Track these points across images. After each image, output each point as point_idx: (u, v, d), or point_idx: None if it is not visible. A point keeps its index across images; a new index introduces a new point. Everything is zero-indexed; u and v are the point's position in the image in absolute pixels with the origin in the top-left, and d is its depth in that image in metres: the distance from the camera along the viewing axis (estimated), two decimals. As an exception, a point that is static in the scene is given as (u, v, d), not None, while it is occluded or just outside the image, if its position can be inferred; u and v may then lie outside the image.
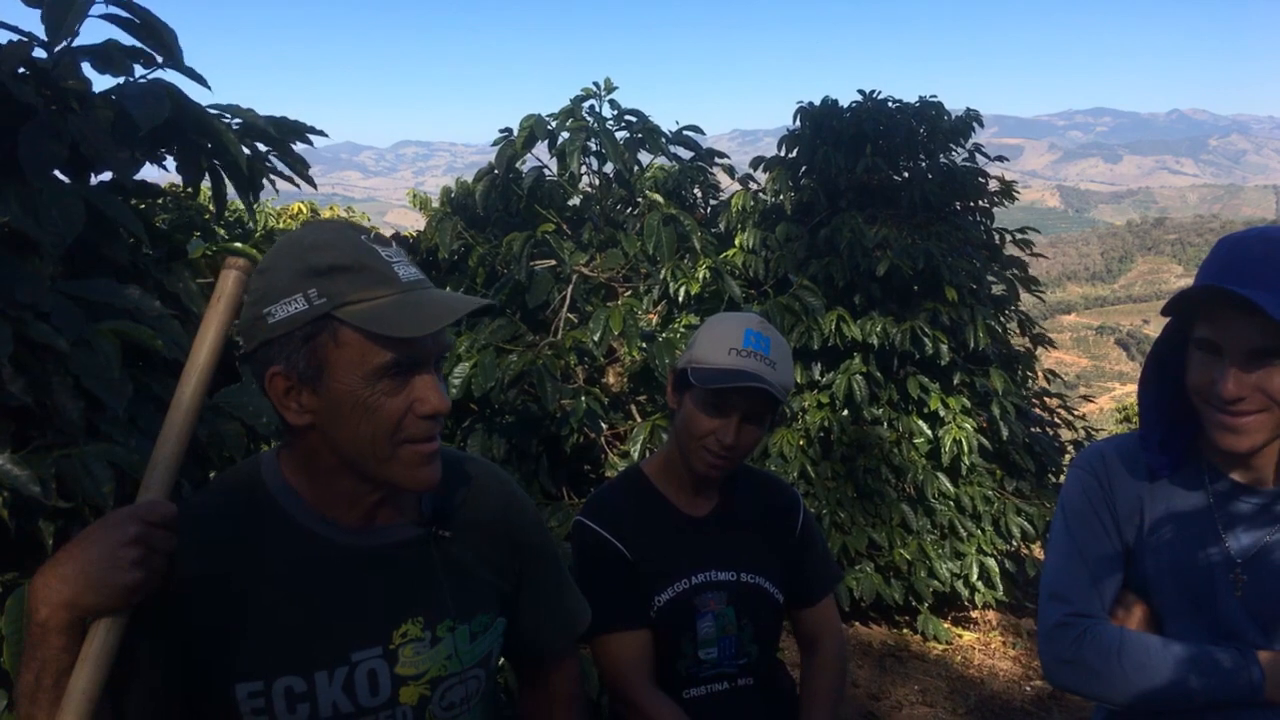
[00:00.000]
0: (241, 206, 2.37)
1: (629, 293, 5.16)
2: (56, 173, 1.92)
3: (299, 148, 2.38)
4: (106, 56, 1.93)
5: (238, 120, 2.25)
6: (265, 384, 1.27)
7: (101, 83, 2.00)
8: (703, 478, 1.95)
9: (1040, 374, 7.01)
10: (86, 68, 2.01)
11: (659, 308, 5.40)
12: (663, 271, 5.11)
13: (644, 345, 4.49)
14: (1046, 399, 7.05)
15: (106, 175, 2.07)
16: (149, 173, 2.25)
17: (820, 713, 2.04)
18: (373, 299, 1.23)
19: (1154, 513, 1.62)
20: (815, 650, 2.11)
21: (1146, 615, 1.64)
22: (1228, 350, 1.44)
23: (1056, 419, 6.92)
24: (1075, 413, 7.14)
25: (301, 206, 9.37)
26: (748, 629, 1.97)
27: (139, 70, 2.09)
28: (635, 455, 4.32)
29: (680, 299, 5.12)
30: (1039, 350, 6.99)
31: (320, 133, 2.33)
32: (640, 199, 5.68)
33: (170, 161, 2.21)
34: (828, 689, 2.07)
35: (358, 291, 1.22)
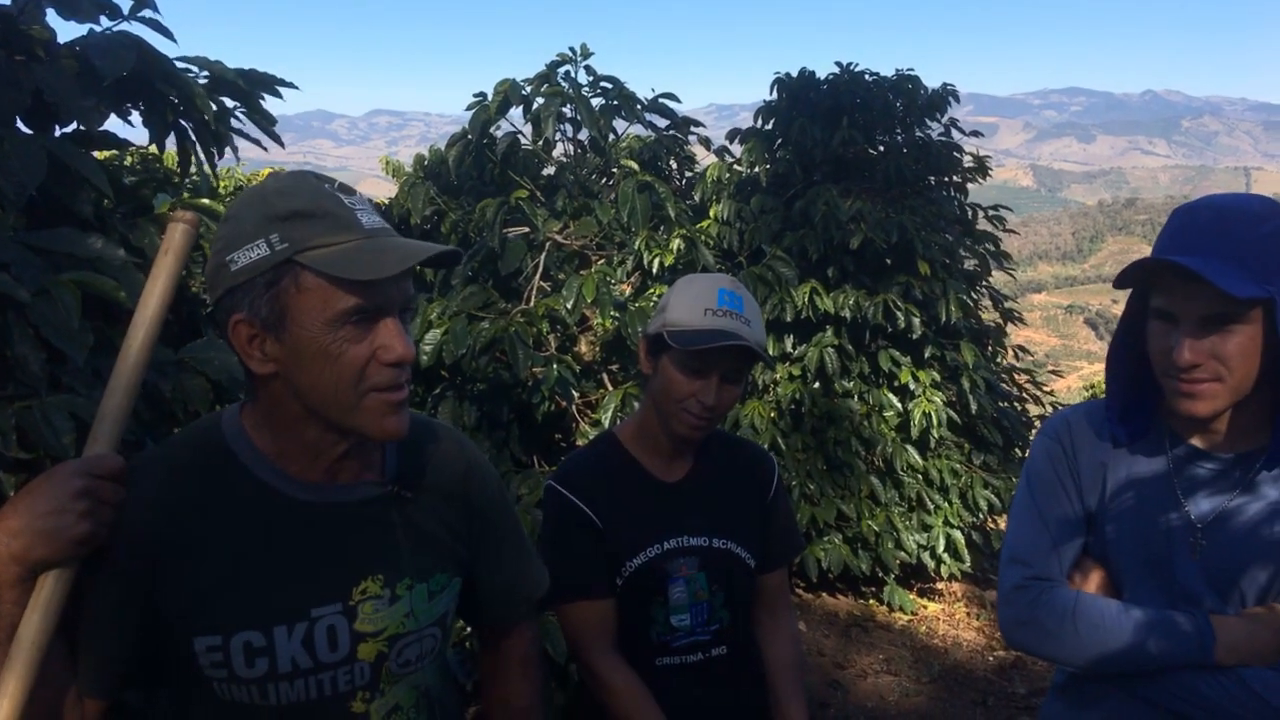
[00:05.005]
0: (209, 169, 2.32)
1: (602, 261, 5.15)
2: (19, 123, 1.89)
3: (270, 109, 2.35)
4: (72, 4, 1.89)
5: (205, 74, 2.22)
6: (229, 332, 1.26)
7: (66, 33, 1.97)
8: (683, 440, 1.95)
9: (1009, 349, 7.07)
10: (51, 16, 1.98)
11: (633, 278, 5.39)
12: (637, 241, 5.10)
13: (616, 314, 4.48)
14: (1015, 374, 7.12)
15: (71, 129, 2.04)
16: (115, 131, 2.21)
17: (789, 684, 2.06)
18: (334, 244, 1.22)
19: (1116, 479, 1.64)
20: (773, 619, 2.13)
21: (1104, 580, 1.66)
22: (1181, 318, 1.47)
23: (1025, 394, 6.99)
24: (1044, 388, 7.21)
25: (271, 171, 9.26)
26: (719, 595, 1.97)
27: (105, 21, 2.06)
28: (606, 423, 4.32)
29: (654, 270, 5.11)
30: (1009, 327, 7.04)
31: (291, 85, 2.29)
32: (615, 168, 5.66)
33: (136, 118, 2.18)
34: (792, 660, 2.10)
35: (319, 237, 1.22)
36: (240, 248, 1.23)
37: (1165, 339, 1.50)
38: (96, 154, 2.10)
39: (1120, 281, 1.54)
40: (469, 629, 2.50)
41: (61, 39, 2.00)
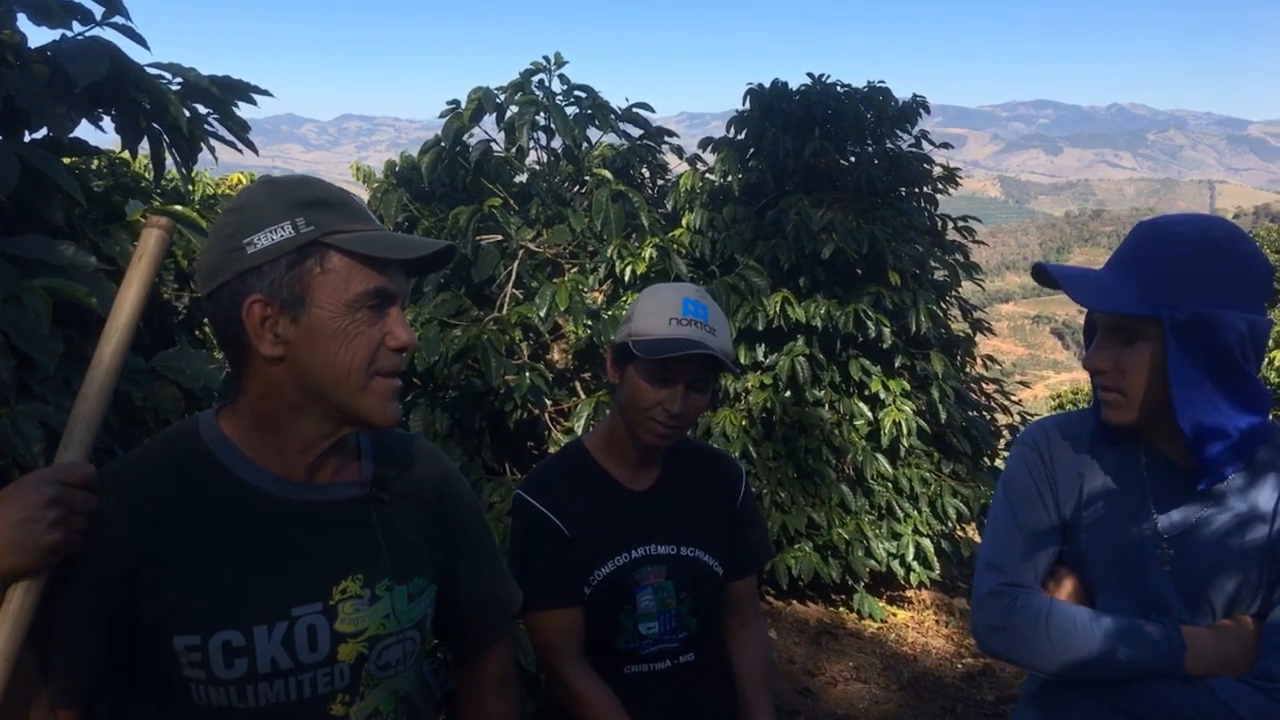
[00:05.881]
0: (179, 175, 2.31)
1: (575, 270, 5.16)
2: (-11, 128, 1.87)
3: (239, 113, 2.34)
4: (44, 9, 1.88)
5: (178, 80, 2.21)
6: (242, 313, 1.27)
7: (38, 38, 1.96)
8: (651, 448, 1.96)
9: (978, 359, 7.13)
10: (22, 21, 1.96)
11: (605, 286, 5.41)
12: (610, 250, 5.11)
13: (589, 322, 4.49)
14: (984, 384, 7.18)
15: (41, 134, 2.02)
16: (87, 136, 2.20)
17: (758, 691, 2.06)
18: (357, 230, 1.30)
19: (1091, 488, 1.67)
20: (743, 626, 2.13)
21: (1077, 588, 1.69)
22: (1097, 327, 1.59)
23: (993, 403, 7.06)
24: (1012, 398, 7.28)
25: (241, 177, 9.17)
26: (687, 602, 1.98)
27: (77, 27, 2.04)
28: (579, 431, 4.33)
29: (626, 278, 5.12)
30: (978, 336, 7.10)
31: (265, 92, 2.29)
32: (589, 176, 5.68)
33: (108, 123, 2.17)
34: (762, 667, 2.10)
35: (342, 223, 1.29)
36: (260, 230, 1.26)
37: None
38: (65, 159, 2.09)
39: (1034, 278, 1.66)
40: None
41: (32, 44, 1.98)
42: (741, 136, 6.52)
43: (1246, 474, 1.57)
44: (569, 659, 1.91)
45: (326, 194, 1.31)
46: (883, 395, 5.82)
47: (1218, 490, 1.58)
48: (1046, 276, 1.60)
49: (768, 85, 6.50)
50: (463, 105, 5.38)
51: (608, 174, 5.37)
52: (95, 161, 3.34)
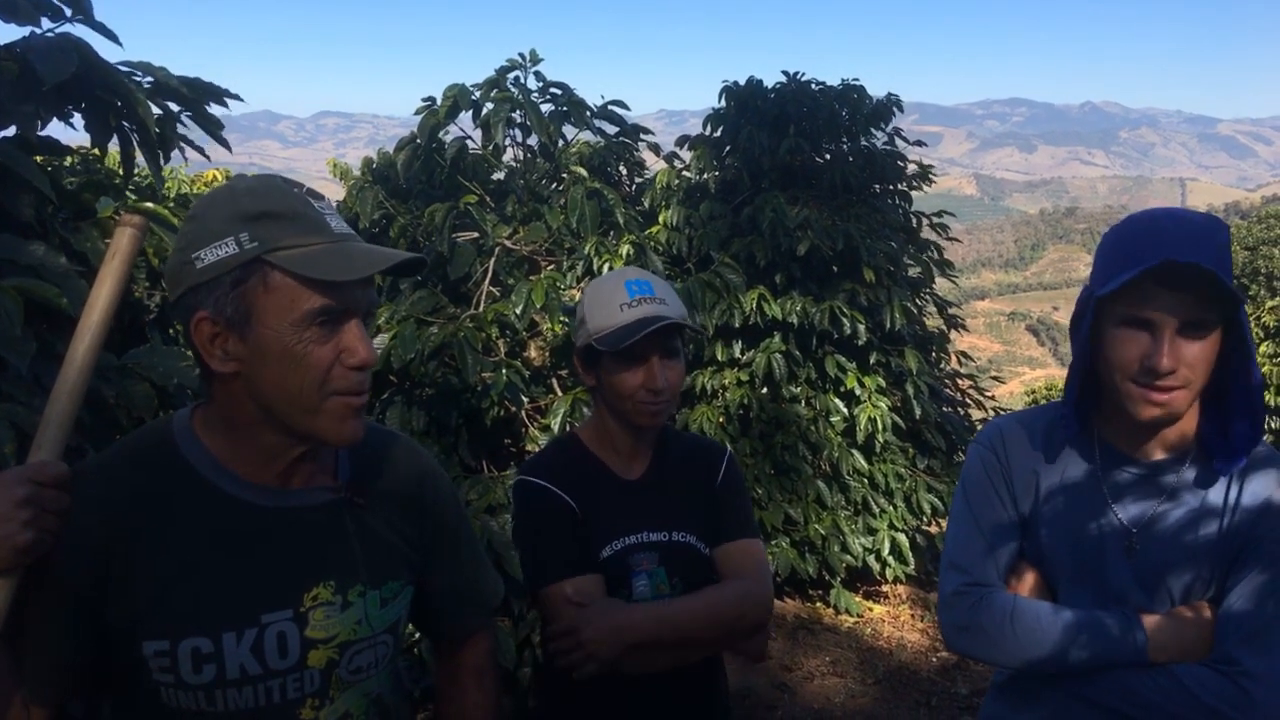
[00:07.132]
0: (152, 172, 2.29)
1: (552, 266, 5.16)
2: (-43, 126, 1.86)
3: (214, 111, 2.32)
4: (11, 6, 1.86)
5: (149, 79, 2.19)
6: (190, 330, 1.25)
7: (6, 34, 1.94)
8: (647, 430, 2.00)
9: (953, 355, 7.18)
10: (-10, 17, 1.95)
11: (582, 283, 5.41)
12: (586, 246, 5.11)
13: (566, 319, 4.49)
14: (958, 380, 7.24)
15: (10, 131, 2.01)
16: (56, 133, 2.18)
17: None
18: (305, 245, 1.23)
19: (1048, 485, 1.70)
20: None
21: (1038, 583, 1.71)
22: (1162, 325, 1.48)
23: (967, 399, 7.11)
24: (986, 394, 7.33)
25: (217, 174, 9.09)
26: (679, 587, 2.01)
27: (46, 23, 2.03)
28: (556, 429, 4.33)
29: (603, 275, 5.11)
30: (952, 333, 7.16)
31: (236, 96, 2.27)
32: (565, 173, 5.67)
33: (78, 120, 2.15)
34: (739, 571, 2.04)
35: (290, 238, 1.22)
36: (207, 245, 1.22)
37: (1135, 346, 1.50)
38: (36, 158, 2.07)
39: (1117, 286, 1.48)
40: (417, 635, 2.49)
41: (1, 40, 1.97)
42: (718, 134, 6.54)
43: (1199, 468, 1.60)
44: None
45: (278, 205, 1.24)
46: (858, 392, 5.86)
47: (1171, 484, 1.60)
48: (1188, 271, 1.42)
49: (743, 83, 6.52)
50: (438, 102, 5.36)
51: (583, 171, 5.37)
52: (68, 159, 3.32)
